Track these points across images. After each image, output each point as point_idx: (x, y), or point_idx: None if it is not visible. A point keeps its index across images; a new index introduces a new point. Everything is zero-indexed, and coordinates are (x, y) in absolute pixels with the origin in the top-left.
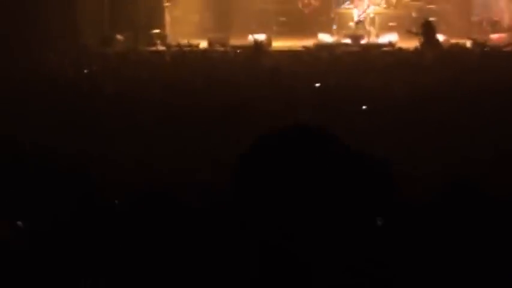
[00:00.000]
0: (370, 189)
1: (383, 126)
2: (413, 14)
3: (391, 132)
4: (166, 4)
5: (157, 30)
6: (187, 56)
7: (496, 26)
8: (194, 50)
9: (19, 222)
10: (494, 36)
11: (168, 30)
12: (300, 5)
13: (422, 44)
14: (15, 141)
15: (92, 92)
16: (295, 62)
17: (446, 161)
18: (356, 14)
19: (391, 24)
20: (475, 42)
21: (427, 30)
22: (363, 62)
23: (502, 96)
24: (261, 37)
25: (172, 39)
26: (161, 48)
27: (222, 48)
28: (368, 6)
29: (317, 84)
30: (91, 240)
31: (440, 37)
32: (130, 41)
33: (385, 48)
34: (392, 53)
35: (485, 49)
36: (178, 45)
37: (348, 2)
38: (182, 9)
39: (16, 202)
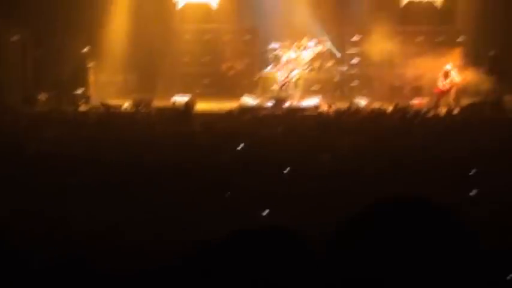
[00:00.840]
0: None
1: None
2: (336, 79)
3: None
4: (90, 64)
5: (80, 91)
6: (109, 116)
7: (417, 91)
8: (117, 111)
9: None
10: (415, 101)
11: (91, 90)
12: (223, 68)
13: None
14: None
15: (12, 152)
16: (218, 124)
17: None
18: (280, 77)
19: (314, 88)
20: (397, 107)
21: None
22: (285, 126)
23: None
24: (185, 99)
25: (96, 100)
26: (84, 108)
27: (145, 110)
28: (292, 70)
29: (239, 147)
30: None
31: (362, 102)
32: (53, 101)
33: (307, 113)
34: (314, 117)
35: (407, 115)
36: (101, 106)
37: (271, 65)
38: (106, 69)
39: None
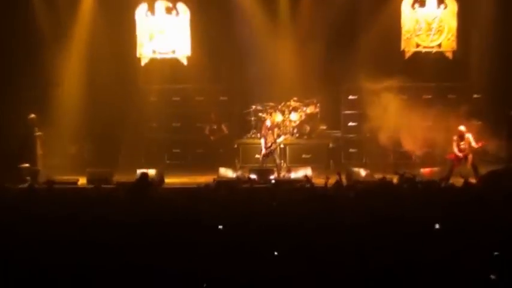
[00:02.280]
0: None
1: None
2: (331, 145)
3: None
4: (38, 133)
5: (26, 165)
6: (57, 195)
7: (426, 159)
8: (69, 189)
9: None
10: (424, 170)
11: (39, 164)
12: (206, 131)
13: None
14: None
15: None
16: (189, 204)
17: None
18: (264, 144)
19: (305, 156)
20: (403, 178)
21: None
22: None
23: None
24: (152, 172)
25: (45, 175)
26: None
27: (105, 186)
28: (278, 136)
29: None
30: None
31: (362, 172)
32: None
33: (298, 185)
34: (307, 191)
35: (419, 185)
36: (49, 182)
37: (253, 131)
38: (56, 138)
39: None
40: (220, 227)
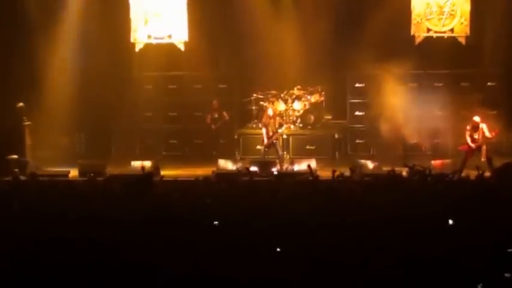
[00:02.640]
0: None
1: None
2: (336, 135)
3: None
4: (27, 123)
5: (14, 156)
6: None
7: (438, 150)
8: (59, 181)
9: None
10: (435, 163)
11: (28, 155)
12: (207, 120)
13: None
14: None
15: None
16: (184, 199)
17: None
18: (265, 134)
19: (309, 147)
20: (413, 170)
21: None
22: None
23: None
24: (147, 164)
25: (34, 167)
26: (20, 177)
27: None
28: (280, 126)
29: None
30: None
31: (370, 164)
32: None
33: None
34: (311, 185)
35: (428, 178)
36: (36, 175)
37: (254, 121)
38: (47, 129)
39: None
40: (215, 223)
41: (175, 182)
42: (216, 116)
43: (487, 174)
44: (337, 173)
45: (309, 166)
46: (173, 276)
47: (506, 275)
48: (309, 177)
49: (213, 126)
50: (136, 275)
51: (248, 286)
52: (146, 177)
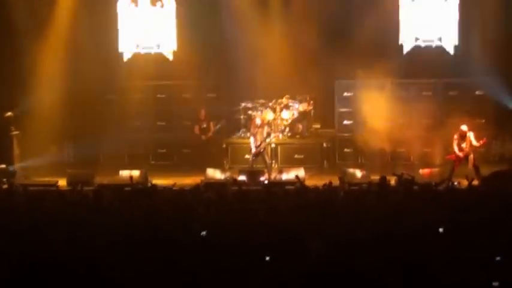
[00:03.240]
0: None
1: None
2: (325, 144)
3: None
4: (15, 132)
5: (2, 165)
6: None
7: (426, 159)
8: (46, 191)
9: None
10: (423, 171)
11: (17, 165)
12: (196, 131)
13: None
14: None
15: None
16: (172, 207)
17: None
18: (253, 143)
19: (297, 156)
20: (400, 179)
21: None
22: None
23: None
24: (135, 173)
25: (22, 176)
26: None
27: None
28: (268, 135)
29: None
30: None
31: (358, 173)
32: None
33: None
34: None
35: (414, 187)
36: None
37: (243, 130)
38: (35, 138)
39: None
40: (203, 233)
41: (165, 191)
42: (205, 125)
43: (475, 182)
44: (323, 182)
45: (297, 177)
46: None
47: (495, 283)
48: (298, 186)
49: (203, 137)
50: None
51: None
52: (149, 189)
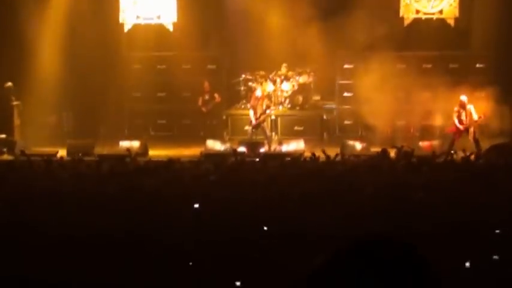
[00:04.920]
0: None
1: None
2: (325, 116)
3: None
4: (15, 102)
5: (2, 136)
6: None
7: (426, 132)
8: (47, 161)
9: None
10: (423, 144)
11: (17, 135)
12: (199, 102)
13: None
14: None
15: None
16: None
17: None
18: (253, 115)
19: (297, 128)
20: (400, 151)
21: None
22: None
23: None
24: (135, 144)
25: (23, 146)
26: (8, 157)
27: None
28: (268, 107)
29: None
30: None
31: (358, 145)
32: None
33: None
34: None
35: (413, 160)
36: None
37: (243, 101)
38: (35, 108)
39: None
40: (196, 206)
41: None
42: (207, 98)
43: (473, 155)
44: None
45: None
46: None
47: (495, 257)
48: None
49: (204, 109)
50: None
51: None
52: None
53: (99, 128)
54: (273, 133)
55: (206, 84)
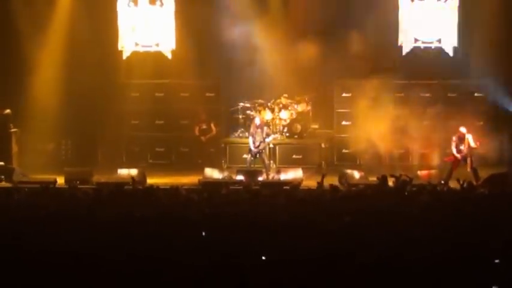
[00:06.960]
0: None
1: None
2: (323, 145)
3: None
4: (13, 130)
5: (0, 163)
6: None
7: (424, 161)
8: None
9: None
10: (422, 173)
11: (15, 162)
12: (196, 132)
13: None
14: None
15: None
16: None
17: None
18: (252, 144)
19: (295, 156)
20: (399, 181)
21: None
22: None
23: None
24: (133, 172)
25: (20, 174)
26: (6, 185)
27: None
28: (267, 135)
29: None
30: None
31: (356, 174)
32: None
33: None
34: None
35: (413, 189)
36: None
37: (241, 130)
38: (33, 135)
39: None
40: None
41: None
42: (204, 127)
43: (473, 185)
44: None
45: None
46: None
47: (494, 287)
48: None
49: (202, 138)
50: None
51: None
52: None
53: (97, 156)
54: (271, 161)
55: (203, 114)
